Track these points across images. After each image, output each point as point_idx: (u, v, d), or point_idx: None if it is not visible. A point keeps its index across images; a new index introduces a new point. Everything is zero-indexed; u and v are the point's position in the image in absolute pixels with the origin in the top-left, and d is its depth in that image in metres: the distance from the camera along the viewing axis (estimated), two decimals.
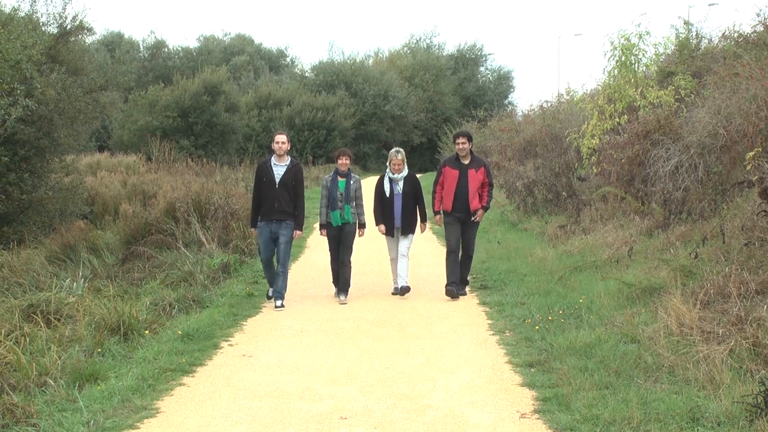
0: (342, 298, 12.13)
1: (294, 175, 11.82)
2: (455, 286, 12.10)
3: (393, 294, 12.58)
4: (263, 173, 11.82)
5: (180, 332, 9.79)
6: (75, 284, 12.08)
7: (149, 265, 14.59)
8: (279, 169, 11.78)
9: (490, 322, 10.51)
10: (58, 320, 9.91)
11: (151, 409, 7.15)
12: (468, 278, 12.81)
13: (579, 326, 9.36)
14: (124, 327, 9.64)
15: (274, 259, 12.05)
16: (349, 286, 12.33)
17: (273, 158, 11.91)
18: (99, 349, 8.92)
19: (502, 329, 10.00)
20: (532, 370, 8.15)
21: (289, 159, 11.95)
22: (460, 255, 12.38)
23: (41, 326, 9.43)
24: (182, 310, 11.39)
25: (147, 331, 9.83)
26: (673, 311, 8.33)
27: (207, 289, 12.73)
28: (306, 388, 7.75)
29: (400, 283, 12.50)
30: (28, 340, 8.79)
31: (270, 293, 12.17)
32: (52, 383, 7.64)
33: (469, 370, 8.29)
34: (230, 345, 9.53)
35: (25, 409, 6.87)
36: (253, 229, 12.34)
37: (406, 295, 12.40)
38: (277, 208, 11.66)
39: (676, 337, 7.97)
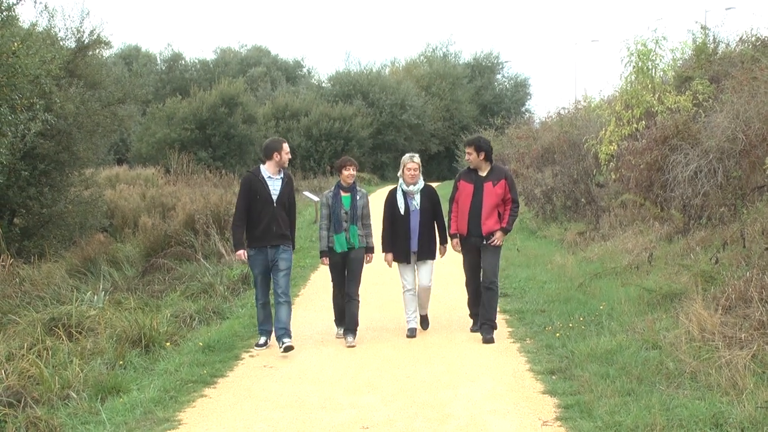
0: (350, 339, 10.14)
1: (290, 191, 10.00)
2: (487, 329, 10.04)
3: (408, 336, 10.39)
4: (256, 189, 9.74)
5: (201, 344, 9.81)
6: (96, 297, 12.13)
7: (169, 277, 14.64)
8: (275, 183, 9.81)
9: (510, 329, 10.48)
10: (80, 333, 9.95)
11: (173, 420, 7.17)
12: (496, 319, 10.37)
13: (600, 333, 9.32)
14: (146, 339, 9.68)
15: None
16: (357, 324, 10.31)
17: (265, 169, 9.87)
18: (121, 362, 8.96)
19: (522, 337, 9.98)
20: (554, 377, 8.12)
21: (282, 171, 10.00)
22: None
23: (63, 339, 9.48)
24: (203, 322, 11.42)
25: (168, 343, 9.86)
26: (694, 317, 8.29)
27: (227, 300, 12.75)
28: (327, 398, 7.76)
29: (410, 324, 10.53)
30: (50, 353, 8.84)
31: (261, 341, 10.01)
32: (75, 396, 7.69)
33: (490, 378, 8.28)
34: (251, 356, 9.55)
35: (49, 423, 6.90)
36: (240, 252, 9.85)
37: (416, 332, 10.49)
38: (276, 231, 9.72)
39: (697, 342, 7.93)
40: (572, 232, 17.55)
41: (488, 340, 9.88)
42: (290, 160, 10.22)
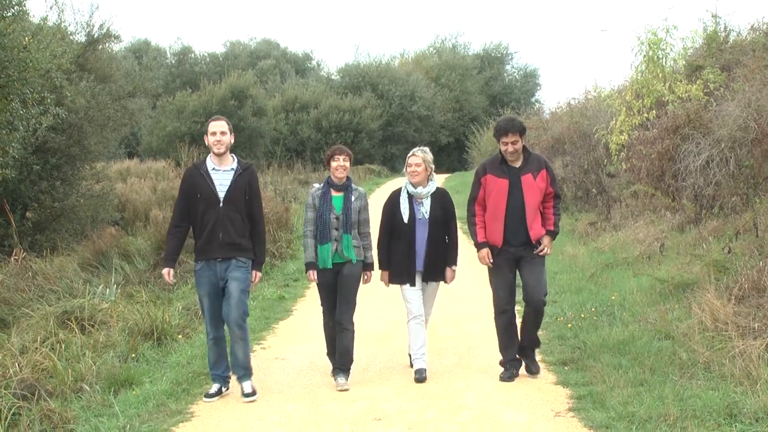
0: (341, 381, 7.93)
1: (247, 185, 7.70)
2: (515, 366, 8.05)
3: (417, 380, 7.99)
4: (197, 185, 7.62)
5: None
6: (108, 290, 12.18)
7: (180, 270, 14.64)
8: (221, 176, 7.62)
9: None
10: (93, 326, 9.98)
11: (185, 413, 7.20)
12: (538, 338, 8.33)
13: (612, 323, 9.31)
14: (158, 332, 9.71)
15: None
16: (351, 361, 8.17)
17: (210, 159, 7.71)
18: (133, 355, 8.99)
19: None
20: (566, 368, 8.12)
21: (235, 160, 7.75)
22: (521, 311, 8.33)
23: (76, 333, 9.51)
24: None
25: (180, 336, 9.90)
26: (707, 306, 8.27)
27: None
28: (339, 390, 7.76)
29: (417, 364, 8.12)
30: (63, 346, 8.86)
31: (213, 390, 7.71)
32: (88, 389, 7.71)
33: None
34: (262, 348, 9.57)
35: (62, 415, 6.94)
36: (166, 270, 7.85)
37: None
38: (223, 240, 7.55)
39: (710, 332, 7.92)
40: (583, 222, 17.52)
41: (531, 370, 8.07)
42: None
